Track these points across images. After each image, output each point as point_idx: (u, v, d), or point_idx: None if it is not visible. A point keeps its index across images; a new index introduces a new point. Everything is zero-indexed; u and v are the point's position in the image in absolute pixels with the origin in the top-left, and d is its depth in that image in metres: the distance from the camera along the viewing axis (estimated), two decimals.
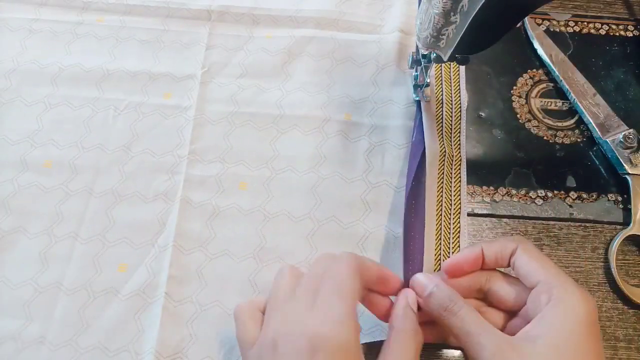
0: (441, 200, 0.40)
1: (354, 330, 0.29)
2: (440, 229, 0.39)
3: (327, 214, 0.41)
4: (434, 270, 0.38)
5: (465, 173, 0.42)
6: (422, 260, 0.38)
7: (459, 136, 0.44)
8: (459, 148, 0.43)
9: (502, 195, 0.42)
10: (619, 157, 0.41)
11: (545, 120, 0.45)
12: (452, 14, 0.32)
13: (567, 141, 0.44)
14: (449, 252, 0.39)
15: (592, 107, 0.44)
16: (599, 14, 0.50)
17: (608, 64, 0.47)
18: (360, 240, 0.40)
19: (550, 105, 0.46)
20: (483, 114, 0.45)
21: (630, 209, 0.40)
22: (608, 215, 0.41)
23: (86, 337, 0.37)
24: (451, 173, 0.42)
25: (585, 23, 0.49)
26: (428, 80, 0.43)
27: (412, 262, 0.37)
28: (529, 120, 0.45)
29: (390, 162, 0.43)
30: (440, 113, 0.44)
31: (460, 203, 0.41)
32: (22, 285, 0.38)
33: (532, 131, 0.45)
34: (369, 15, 0.50)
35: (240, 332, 0.32)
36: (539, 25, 0.49)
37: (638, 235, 0.40)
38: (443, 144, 0.42)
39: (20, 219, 0.41)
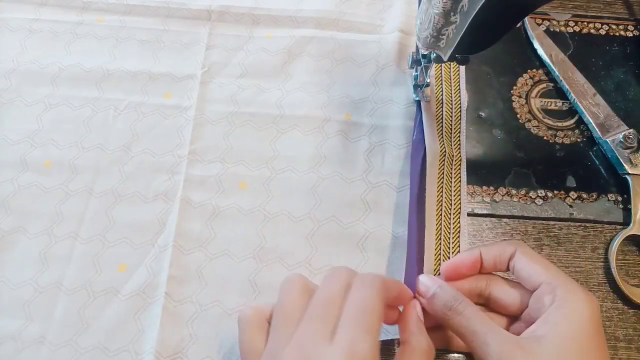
0: (441, 200, 0.40)
1: None
2: (440, 229, 0.39)
3: (327, 214, 0.41)
4: (434, 271, 0.38)
5: (465, 173, 0.42)
6: (423, 260, 0.38)
7: (459, 136, 0.44)
8: (459, 148, 0.43)
9: (502, 195, 0.42)
10: (619, 157, 0.41)
11: (545, 120, 0.45)
12: (452, 14, 0.32)
13: (567, 141, 0.44)
14: (448, 252, 0.39)
15: (592, 107, 0.44)
16: (599, 14, 0.50)
17: (608, 64, 0.47)
18: (360, 240, 0.40)
19: (550, 105, 0.46)
20: (483, 114, 0.45)
21: (630, 209, 0.40)
22: (608, 215, 0.41)
23: (86, 337, 0.37)
24: (451, 173, 0.42)
25: (585, 23, 0.49)
26: (428, 80, 0.43)
27: (413, 262, 0.37)
28: (529, 120, 0.45)
29: (390, 162, 0.43)
30: (440, 113, 0.44)
31: (460, 203, 0.41)
32: (22, 285, 0.38)
33: (532, 131, 0.45)
34: (369, 15, 0.50)
35: (246, 342, 0.30)
36: (539, 25, 0.49)
37: (638, 235, 0.40)
38: (443, 144, 0.42)
39: (20, 219, 0.41)
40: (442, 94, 0.45)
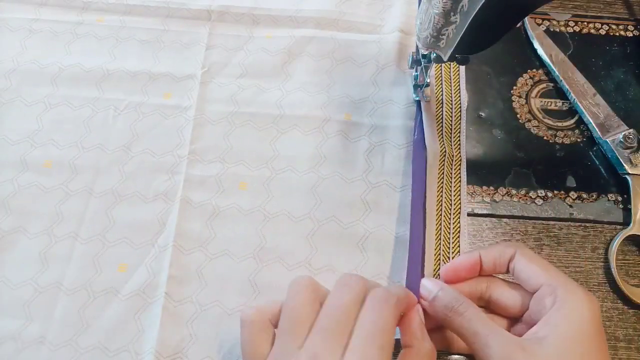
0: (441, 200, 0.40)
1: None
2: (440, 229, 0.39)
3: (327, 214, 0.41)
4: (434, 271, 0.38)
5: (465, 173, 0.42)
6: (423, 260, 0.38)
7: (459, 136, 0.44)
8: (459, 148, 0.43)
9: (502, 195, 0.42)
10: (619, 157, 0.41)
11: (545, 120, 0.45)
12: (452, 14, 0.32)
13: (567, 141, 0.44)
14: (448, 252, 0.39)
15: (592, 107, 0.44)
16: (599, 14, 0.50)
17: (608, 64, 0.47)
18: (360, 240, 0.40)
19: (550, 105, 0.46)
20: (483, 114, 0.45)
21: (630, 209, 0.40)
22: (608, 215, 0.41)
23: (86, 337, 0.37)
24: (451, 173, 0.42)
25: (585, 23, 0.49)
26: (428, 80, 0.43)
27: (416, 262, 0.37)
28: (529, 120, 0.45)
29: (390, 162, 0.43)
30: (440, 113, 0.44)
31: (460, 203, 0.41)
32: (22, 285, 0.38)
33: (532, 131, 0.45)
34: (369, 15, 0.50)
35: (249, 344, 0.30)
36: (539, 25, 0.49)
37: (638, 235, 0.40)
38: (443, 144, 0.42)
39: (20, 219, 0.41)
40: (442, 94, 0.45)
